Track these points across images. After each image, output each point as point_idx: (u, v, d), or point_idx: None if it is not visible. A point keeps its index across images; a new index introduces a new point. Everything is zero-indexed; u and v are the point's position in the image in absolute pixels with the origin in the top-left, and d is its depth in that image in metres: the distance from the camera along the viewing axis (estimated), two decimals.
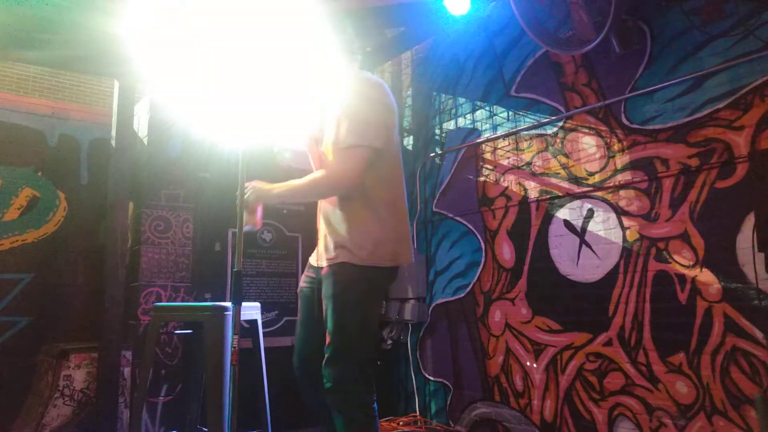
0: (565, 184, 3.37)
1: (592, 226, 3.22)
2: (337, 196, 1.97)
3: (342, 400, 1.86)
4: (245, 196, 1.95)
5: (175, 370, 3.45)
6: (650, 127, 2.99)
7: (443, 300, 4.07)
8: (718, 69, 2.72)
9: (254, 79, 1.96)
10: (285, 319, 3.90)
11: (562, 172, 3.40)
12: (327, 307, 1.92)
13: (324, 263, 1.98)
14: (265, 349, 2.77)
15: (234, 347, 1.73)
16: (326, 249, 1.98)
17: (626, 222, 3.05)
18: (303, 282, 2.14)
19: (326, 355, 1.89)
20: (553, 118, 3.47)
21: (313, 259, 2.13)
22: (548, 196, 3.45)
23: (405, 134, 4.65)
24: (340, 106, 1.93)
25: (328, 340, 1.91)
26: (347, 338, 1.88)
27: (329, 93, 2.05)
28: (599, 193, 3.19)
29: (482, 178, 3.89)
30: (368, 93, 1.94)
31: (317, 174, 1.97)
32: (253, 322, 2.78)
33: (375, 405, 1.90)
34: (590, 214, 3.23)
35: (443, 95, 4.29)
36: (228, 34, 1.97)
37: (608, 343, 3.06)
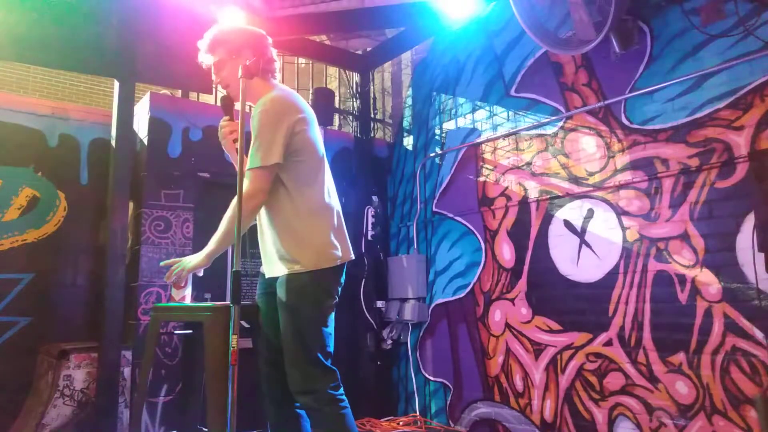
0: (565, 184, 3.37)
1: (592, 226, 3.22)
2: (267, 212, 2.04)
3: (313, 399, 1.94)
4: (173, 274, 2.09)
5: (175, 370, 3.45)
6: (650, 127, 2.98)
7: (443, 300, 4.07)
8: (718, 69, 2.72)
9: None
10: None
11: (562, 172, 3.40)
12: (282, 314, 2.00)
13: (274, 274, 2.06)
14: None
15: (233, 347, 1.73)
16: (273, 262, 2.05)
17: (626, 222, 3.05)
18: (258, 290, 2.23)
19: (287, 361, 1.97)
20: (553, 118, 3.46)
21: (264, 270, 2.18)
22: (548, 196, 3.45)
23: (405, 134, 4.66)
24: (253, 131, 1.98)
25: (284, 349, 1.99)
26: (304, 341, 1.97)
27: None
28: (599, 193, 3.19)
29: (482, 178, 3.89)
30: (264, 111, 1.96)
31: (230, 206, 2.05)
32: (253, 322, 2.78)
33: (344, 396, 1.99)
34: (590, 214, 3.23)
35: (443, 95, 4.29)
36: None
37: (608, 343, 3.06)
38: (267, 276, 2.12)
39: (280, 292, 2.00)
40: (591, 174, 3.25)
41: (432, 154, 4.30)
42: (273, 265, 2.06)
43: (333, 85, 5.73)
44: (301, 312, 1.98)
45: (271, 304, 2.10)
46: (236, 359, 1.71)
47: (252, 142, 1.96)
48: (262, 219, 2.10)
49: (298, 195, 2.01)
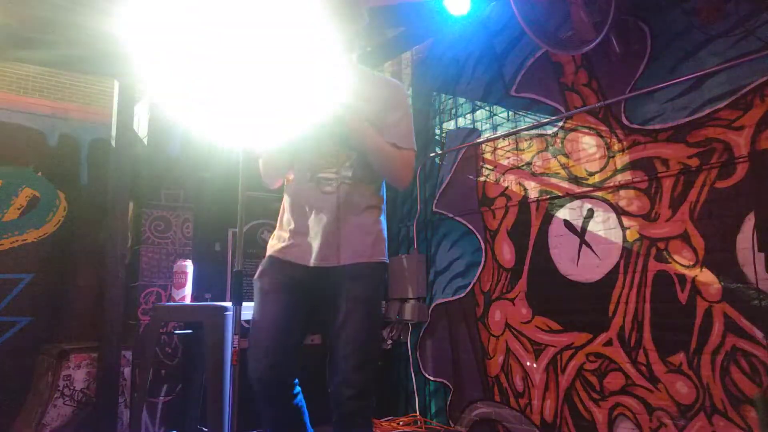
0: (565, 184, 3.37)
1: (592, 226, 3.22)
2: (376, 192, 1.95)
3: (367, 406, 1.81)
4: (336, 110, 1.78)
5: (175, 370, 3.45)
6: (650, 127, 2.99)
7: (443, 300, 4.07)
8: (718, 69, 2.72)
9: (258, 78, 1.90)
10: None
11: (562, 172, 3.40)
12: (355, 310, 1.81)
13: (354, 260, 1.85)
14: None
15: (234, 347, 1.73)
16: (365, 247, 1.86)
17: (626, 222, 3.05)
18: (277, 279, 1.92)
19: (353, 363, 1.79)
20: (553, 118, 3.47)
21: (325, 256, 1.87)
22: (548, 196, 3.45)
23: None
24: (396, 105, 1.92)
25: (351, 347, 1.79)
26: (375, 344, 1.87)
27: (364, 86, 1.93)
28: (599, 193, 3.19)
29: (482, 178, 3.89)
30: (408, 99, 2.01)
31: (395, 151, 1.89)
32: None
33: None
34: (590, 214, 3.23)
35: (443, 95, 4.29)
36: (231, 34, 1.93)
37: (608, 343, 3.06)
38: (316, 263, 1.85)
39: (360, 283, 1.83)
40: (591, 174, 3.25)
41: (432, 154, 4.30)
42: (360, 253, 1.86)
43: None
44: (377, 307, 1.87)
45: (306, 299, 1.89)
46: (237, 359, 1.70)
47: (400, 118, 1.91)
48: (351, 199, 1.89)
49: (382, 184, 2.00)
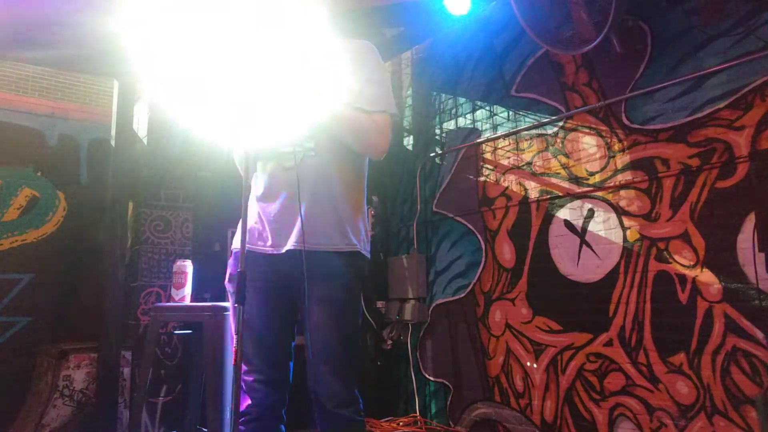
0: (566, 184, 3.37)
1: (592, 226, 3.22)
2: (334, 168, 1.67)
3: (354, 410, 1.66)
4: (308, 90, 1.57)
5: (175, 370, 3.45)
6: (650, 127, 2.98)
7: (443, 300, 4.07)
8: (718, 69, 2.72)
9: (255, 77, 1.88)
10: None
11: (563, 172, 3.40)
12: (321, 312, 1.59)
13: (327, 247, 1.61)
14: None
15: (236, 347, 1.71)
16: (327, 231, 1.62)
17: (626, 222, 3.05)
18: (256, 272, 1.60)
19: (332, 367, 1.60)
20: (554, 118, 3.46)
21: (267, 242, 1.64)
22: (548, 196, 3.45)
23: (405, 134, 4.65)
24: (361, 66, 1.69)
25: (326, 354, 1.60)
26: (356, 339, 1.66)
27: (326, 51, 1.71)
28: (599, 193, 3.19)
29: (482, 178, 3.89)
30: (379, 59, 1.74)
31: (361, 116, 1.64)
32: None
33: None
34: (590, 214, 3.23)
35: (443, 95, 4.29)
36: (226, 32, 1.92)
37: (609, 344, 3.05)
38: (293, 245, 1.58)
39: (327, 277, 1.58)
40: (591, 174, 3.25)
41: (432, 154, 4.29)
42: (327, 235, 1.61)
43: None
44: (356, 301, 1.64)
45: (281, 294, 1.65)
46: (239, 359, 1.67)
47: (366, 79, 1.67)
48: (317, 173, 1.65)
49: (362, 164, 1.74)
